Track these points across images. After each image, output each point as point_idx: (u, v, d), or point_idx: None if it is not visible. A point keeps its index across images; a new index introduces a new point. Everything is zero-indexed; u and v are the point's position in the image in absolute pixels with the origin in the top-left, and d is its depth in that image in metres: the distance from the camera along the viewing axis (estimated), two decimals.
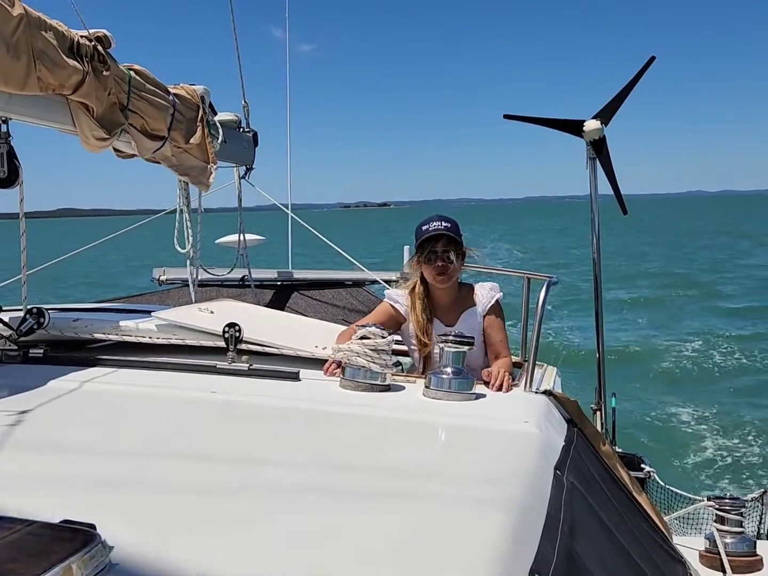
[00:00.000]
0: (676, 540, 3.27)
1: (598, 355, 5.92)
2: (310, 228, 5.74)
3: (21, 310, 3.09)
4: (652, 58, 5.56)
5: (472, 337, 2.77)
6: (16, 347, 2.92)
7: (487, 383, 2.85)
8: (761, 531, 4.77)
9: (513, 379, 2.99)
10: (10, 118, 2.93)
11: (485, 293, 3.44)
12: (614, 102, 5.61)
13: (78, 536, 1.20)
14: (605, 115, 5.61)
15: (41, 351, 2.93)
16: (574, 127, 5.72)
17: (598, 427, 5.66)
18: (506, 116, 5.99)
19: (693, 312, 21.23)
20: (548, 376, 3.34)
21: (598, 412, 5.87)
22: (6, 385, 2.49)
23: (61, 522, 1.25)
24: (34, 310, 2.99)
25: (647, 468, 5.37)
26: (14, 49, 2.66)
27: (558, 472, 2.04)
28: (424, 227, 3.41)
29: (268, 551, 1.32)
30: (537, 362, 3.44)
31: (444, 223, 3.36)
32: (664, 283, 27.17)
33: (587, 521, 2.03)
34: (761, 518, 4.83)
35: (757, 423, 10.88)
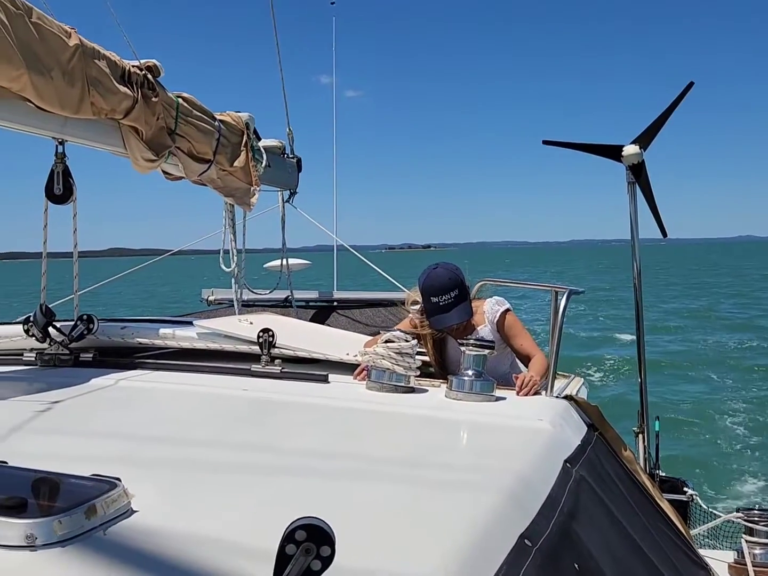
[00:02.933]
0: (707, 553, 3.29)
1: (640, 379, 5.90)
2: (352, 250, 5.93)
3: (74, 320, 3.30)
4: (691, 84, 5.61)
5: (492, 342, 2.88)
6: (68, 352, 3.13)
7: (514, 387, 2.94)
8: None
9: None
10: (66, 140, 3.17)
11: (490, 309, 3.50)
12: (653, 127, 5.66)
13: (103, 485, 1.36)
14: (644, 140, 5.66)
15: (91, 355, 3.14)
16: (612, 152, 5.79)
17: (641, 451, 5.64)
18: (545, 142, 6.10)
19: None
20: (573, 386, 3.41)
21: (641, 435, 5.83)
22: (58, 384, 2.69)
23: (91, 475, 1.42)
24: (84, 317, 3.20)
25: (690, 491, 5.34)
26: (69, 76, 2.90)
27: (568, 464, 2.12)
28: (433, 300, 3.37)
29: (271, 511, 1.46)
30: (565, 374, 3.52)
31: (452, 294, 3.34)
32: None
33: (594, 511, 2.10)
34: None
35: None
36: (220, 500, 1.51)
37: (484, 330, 3.47)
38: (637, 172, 5.69)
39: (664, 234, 5.85)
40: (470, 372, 2.74)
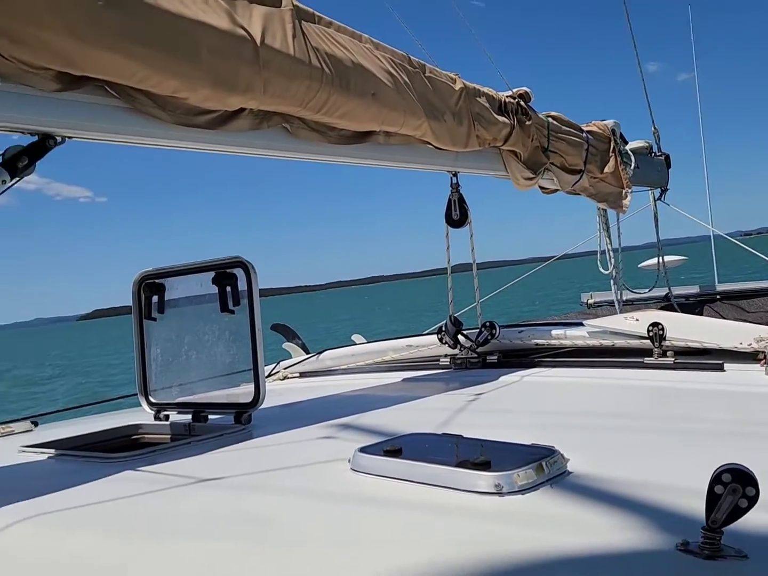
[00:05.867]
0: None
1: None
2: (732, 240, 5.74)
3: (477, 328, 3.77)
4: None
5: None
6: (476, 355, 3.60)
7: None
8: None
9: None
10: (459, 172, 3.66)
11: None
12: None
13: (544, 450, 1.67)
14: None
15: (495, 357, 3.57)
16: None
17: None
18: None
19: None
20: None
21: None
22: (473, 382, 3.14)
23: (531, 444, 1.74)
24: (487, 324, 3.64)
25: None
26: (458, 116, 3.35)
27: None
28: None
29: (690, 468, 1.64)
30: None
31: None
32: None
33: None
34: None
35: None
36: (640, 466, 1.73)
37: None
38: None
39: None
40: None
